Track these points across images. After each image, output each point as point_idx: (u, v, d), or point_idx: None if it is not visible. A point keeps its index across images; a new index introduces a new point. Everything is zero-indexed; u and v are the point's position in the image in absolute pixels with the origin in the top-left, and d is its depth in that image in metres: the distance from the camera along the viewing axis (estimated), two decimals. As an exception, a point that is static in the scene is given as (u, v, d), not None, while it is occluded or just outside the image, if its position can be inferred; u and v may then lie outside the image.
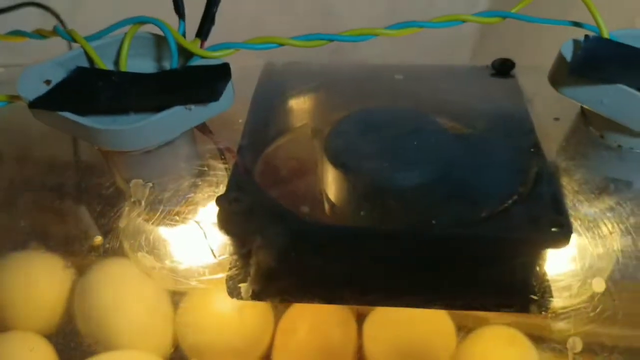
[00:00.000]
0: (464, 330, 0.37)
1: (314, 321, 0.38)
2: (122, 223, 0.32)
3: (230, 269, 0.24)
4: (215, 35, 0.27)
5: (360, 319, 0.39)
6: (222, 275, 0.33)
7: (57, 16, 0.39)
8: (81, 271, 0.39)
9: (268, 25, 0.70)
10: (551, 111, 0.28)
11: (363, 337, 0.38)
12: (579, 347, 0.23)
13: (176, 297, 0.38)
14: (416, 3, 0.68)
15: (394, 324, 0.38)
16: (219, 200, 0.23)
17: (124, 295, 0.38)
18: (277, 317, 0.38)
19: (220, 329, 0.37)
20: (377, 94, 0.30)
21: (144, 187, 0.25)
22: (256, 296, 0.24)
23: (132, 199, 0.25)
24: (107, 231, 0.37)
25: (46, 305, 0.39)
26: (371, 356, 0.37)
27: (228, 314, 0.38)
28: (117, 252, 0.38)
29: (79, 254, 0.39)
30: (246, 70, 0.30)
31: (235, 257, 0.24)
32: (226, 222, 0.23)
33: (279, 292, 0.24)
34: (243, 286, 0.24)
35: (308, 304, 0.38)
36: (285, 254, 0.23)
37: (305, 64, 0.31)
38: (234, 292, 0.24)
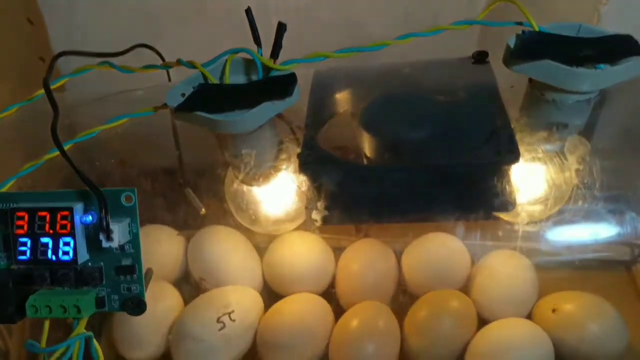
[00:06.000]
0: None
1: (364, 257, 0.51)
2: (227, 187, 0.46)
3: (308, 198, 0.38)
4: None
5: (398, 254, 0.52)
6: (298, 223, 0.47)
7: (156, 51, 0.53)
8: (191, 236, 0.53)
9: (305, 38, 0.82)
10: (510, 81, 0.41)
11: (402, 266, 0.51)
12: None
13: (263, 245, 0.51)
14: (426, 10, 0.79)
15: (424, 254, 0.51)
16: (299, 155, 0.37)
17: (226, 248, 0.52)
18: (337, 256, 0.52)
19: (294, 265, 0.51)
20: (392, 83, 0.43)
21: (251, 154, 0.39)
22: (326, 208, 0.37)
23: (245, 161, 0.39)
24: (210, 204, 0.50)
25: (169, 260, 0.53)
26: (409, 278, 0.50)
27: (300, 255, 0.51)
28: (219, 219, 0.51)
29: (191, 223, 0.53)
30: (302, 77, 0.43)
31: (311, 189, 0.38)
32: (304, 168, 0.37)
33: (339, 206, 0.37)
34: (319, 203, 0.37)
35: (360, 245, 0.51)
36: (340, 184, 0.37)
37: (342, 67, 0.45)
38: (312, 211, 0.38)
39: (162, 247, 0.53)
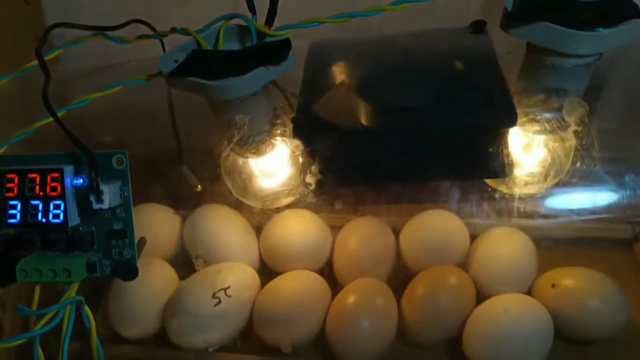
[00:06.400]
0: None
1: (362, 234, 0.51)
2: (223, 161, 0.45)
3: (302, 163, 0.37)
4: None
5: (396, 232, 0.51)
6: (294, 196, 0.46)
7: (151, 27, 0.52)
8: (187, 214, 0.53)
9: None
10: (511, 48, 0.40)
11: (400, 243, 0.50)
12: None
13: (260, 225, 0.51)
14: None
15: (422, 231, 0.51)
16: (293, 119, 0.37)
17: (223, 226, 0.52)
18: (335, 233, 0.51)
19: (291, 243, 0.51)
20: (389, 53, 0.43)
21: (245, 120, 0.38)
22: (320, 172, 0.37)
23: (238, 126, 0.38)
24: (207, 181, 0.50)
25: (165, 238, 0.53)
26: (407, 255, 0.50)
27: (297, 233, 0.51)
28: (215, 197, 0.51)
29: (187, 201, 0.52)
30: (299, 47, 0.42)
31: (305, 153, 0.37)
32: (298, 131, 0.37)
33: (332, 169, 0.37)
34: (313, 167, 0.36)
35: (358, 223, 0.51)
36: (334, 148, 0.36)
37: (338, 39, 0.45)
38: (306, 175, 0.37)
39: (158, 225, 0.53)
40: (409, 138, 0.36)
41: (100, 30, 0.47)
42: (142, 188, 0.54)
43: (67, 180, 0.33)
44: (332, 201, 0.44)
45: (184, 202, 0.55)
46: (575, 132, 0.35)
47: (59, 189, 0.33)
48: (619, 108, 0.39)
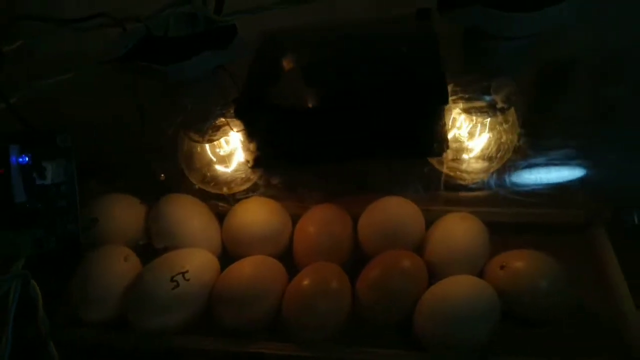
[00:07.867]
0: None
1: (321, 220, 0.52)
2: (180, 148, 0.47)
3: (246, 142, 0.38)
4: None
5: (355, 220, 0.52)
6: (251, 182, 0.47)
7: (115, 19, 0.53)
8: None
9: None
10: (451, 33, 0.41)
11: (358, 229, 0.51)
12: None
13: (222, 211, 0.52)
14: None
15: (379, 217, 0.52)
16: (234, 100, 0.38)
17: (185, 214, 0.53)
18: (295, 220, 0.52)
19: (251, 230, 0.52)
20: (335, 41, 0.44)
21: (194, 99, 0.39)
22: (257, 150, 0.38)
23: (184, 107, 0.39)
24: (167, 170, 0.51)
25: (130, 227, 0.54)
26: (364, 240, 0.51)
27: (257, 220, 0.52)
28: (177, 185, 0.52)
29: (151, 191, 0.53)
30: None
31: (246, 133, 0.39)
32: (238, 112, 0.38)
33: (270, 147, 0.38)
34: (252, 145, 0.38)
35: (318, 209, 0.52)
36: (272, 127, 0.37)
37: (287, 28, 0.46)
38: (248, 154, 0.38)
39: (124, 214, 0.54)
40: (344, 118, 0.38)
41: (64, 23, 0.49)
42: (109, 179, 0.56)
43: (13, 158, 0.34)
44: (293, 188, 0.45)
45: (150, 192, 0.56)
46: (502, 109, 0.37)
47: (4, 166, 0.34)
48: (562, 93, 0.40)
